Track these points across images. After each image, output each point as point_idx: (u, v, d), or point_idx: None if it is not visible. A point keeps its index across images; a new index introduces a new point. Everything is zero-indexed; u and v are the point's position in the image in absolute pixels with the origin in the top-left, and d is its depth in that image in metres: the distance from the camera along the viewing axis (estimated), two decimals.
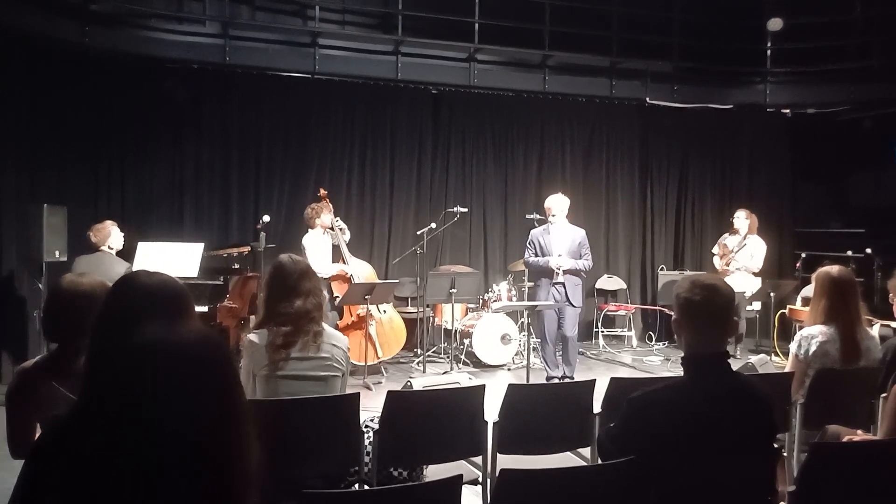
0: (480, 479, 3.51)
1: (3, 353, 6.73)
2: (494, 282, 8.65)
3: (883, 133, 9.16)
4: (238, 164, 8.16)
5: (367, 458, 3.20)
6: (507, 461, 3.15)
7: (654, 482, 2.22)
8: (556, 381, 6.72)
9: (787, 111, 9.73)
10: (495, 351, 7.74)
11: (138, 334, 1.21)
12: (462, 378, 5.63)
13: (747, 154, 10.05)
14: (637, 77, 9.03)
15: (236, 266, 7.41)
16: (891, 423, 2.97)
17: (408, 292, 8.46)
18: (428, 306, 7.97)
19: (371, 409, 3.59)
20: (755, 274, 8.17)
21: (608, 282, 9.48)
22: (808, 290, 5.58)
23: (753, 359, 5.66)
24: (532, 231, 6.93)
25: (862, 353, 3.60)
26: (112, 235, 6.15)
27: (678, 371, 2.40)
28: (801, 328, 3.89)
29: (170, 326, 1.23)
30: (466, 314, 8.23)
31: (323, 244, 7.18)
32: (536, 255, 6.72)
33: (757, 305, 8.64)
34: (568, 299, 6.59)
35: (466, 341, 7.83)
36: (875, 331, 4.54)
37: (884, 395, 3.33)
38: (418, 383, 4.62)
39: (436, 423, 3.33)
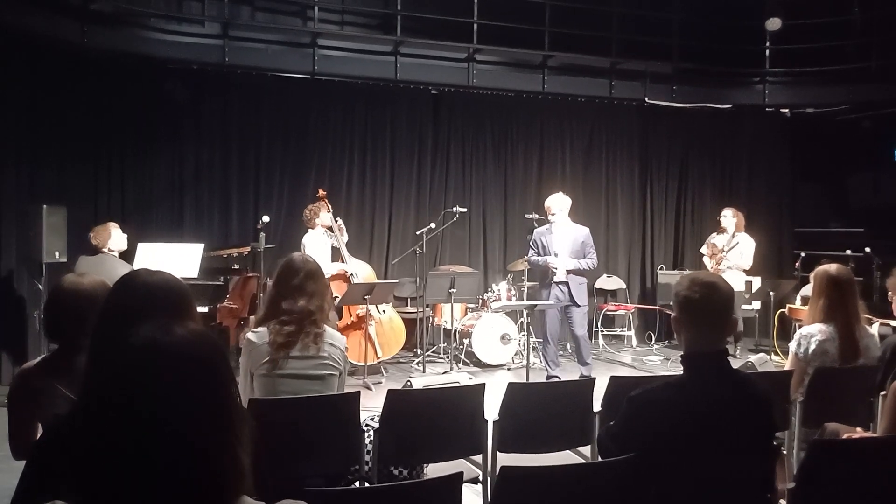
0: (481, 478, 3.51)
1: (3, 353, 6.73)
2: (494, 282, 8.66)
3: (882, 133, 9.18)
4: (238, 165, 8.16)
5: (367, 457, 3.21)
6: (507, 460, 3.16)
7: (653, 480, 2.22)
8: (556, 380, 6.73)
9: (787, 111, 9.76)
10: (495, 351, 7.75)
11: (137, 334, 1.23)
12: (462, 378, 5.63)
13: (746, 154, 10.06)
14: (636, 77, 9.05)
15: (236, 266, 7.42)
16: (890, 420, 2.98)
17: (407, 292, 8.47)
18: (427, 306, 7.98)
19: (371, 409, 3.59)
20: (746, 271, 8.17)
21: (608, 281, 9.49)
22: (808, 290, 5.59)
23: (753, 358, 5.67)
24: (535, 230, 6.93)
25: (861, 351, 3.61)
26: (113, 237, 6.14)
27: (678, 370, 2.41)
28: (800, 327, 3.90)
29: (167, 326, 1.24)
30: (466, 314, 8.24)
31: (322, 244, 7.19)
32: (539, 255, 6.71)
33: (756, 304, 8.65)
34: (572, 299, 6.58)
35: (466, 341, 7.84)
36: (874, 329, 4.55)
37: (883, 393, 3.34)
38: (418, 383, 4.63)
39: (436, 421, 3.33)
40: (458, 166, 9.07)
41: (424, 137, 8.92)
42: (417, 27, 8.22)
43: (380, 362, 7.31)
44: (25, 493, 1.74)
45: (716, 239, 8.32)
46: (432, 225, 7.94)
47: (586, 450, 3.63)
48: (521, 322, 7.83)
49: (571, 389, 3.84)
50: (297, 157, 8.35)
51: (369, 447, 3.21)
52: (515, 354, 7.89)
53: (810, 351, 3.63)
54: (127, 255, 6.33)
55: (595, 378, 3.82)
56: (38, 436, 2.48)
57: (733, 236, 8.13)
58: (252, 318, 6.01)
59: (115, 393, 1.18)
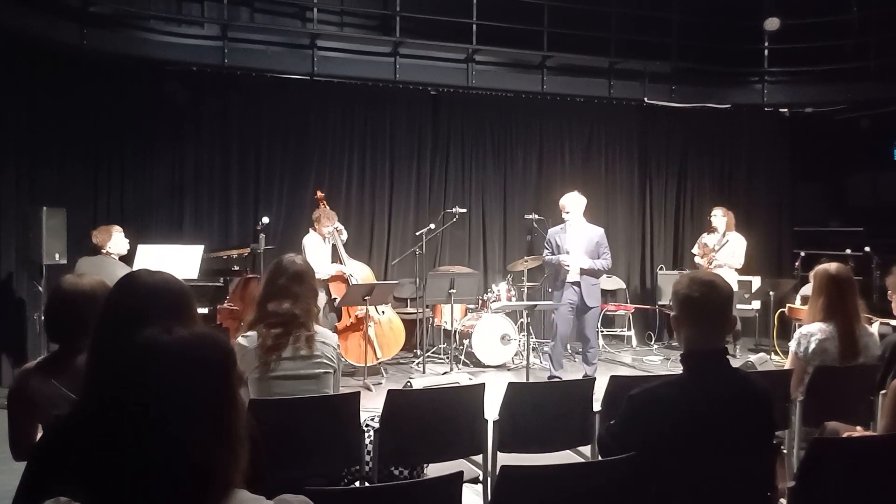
0: (481, 478, 3.51)
1: (3, 355, 6.73)
2: (494, 282, 8.66)
3: (880, 132, 9.19)
4: (237, 166, 8.16)
5: (367, 458, 3.21)
6: (507, 460, 3.16)
7: (654, 478, 2.23)
8: (557, 379, 6.72)
9: (785, 111, 9.76)
10: (495, 351, 7.75)
11: (138, 334, 1.23)
12: (462, 378, 5.64)
13: (746, 153, 10.07)
14: (635, 77, 9.05)
15: (236, 268, 7.42)
16: (890, 419, 2.98)
17: (407, 293, 8.47)
18: (427, 307, 7.98)
19: (371, 410, 3.60)
20: (738, 270, 8.16)
21: (607, 281, 9.47)
22: (807, 289, 5.59)
23: (753, 357, 5.69)
24: (550, 230, 6.95)
25: (861, 350, 3.61)
26: (114, 239, 6.16)
27: (678, 370, 2.41)
28: (800, 327, 3.90)
29: (169, 326, 1.25)
30: (466, 314, 8.24)
31: (322, 245, 7.20)
32: (552, 254, 6.71)
33: (756, 304, 8.66)
34: (583, 300, 6.57)
35: (466, 342, 7.84)
36: (874, 329, 4.55)
37: (883, 391, 3.34)
38: (418, 383, 4.63)
39: (436, 422, 3.33)
40: (458, 167, 9.08)
41: (424, 138, 8.93)
42: (416, 28, 8.22)
43: (379, 363, 7.31)
44: (26, 493, 1.74)
45: (707, 238, 8.32)
46: (432, 226, 7.95)
47: (586, 449, 3.63)
48: (521, 322, 7.83)
49: (571, 389, 3.84)
50: (296, 158, 8.36)
51: (369, 447, 3.21)
52: (515, 355, 7.89)
53: (810, 350, 3.64)
54: (127, 257, 6.33)
55: (595, 378, 3.82)
56: (38, 437, 2.49)
57: (724, 235, 8.13)
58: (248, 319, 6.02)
59: (116, 392, 1.19)
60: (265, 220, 7.35)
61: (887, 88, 8.49)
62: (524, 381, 6.10)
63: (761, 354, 6.32)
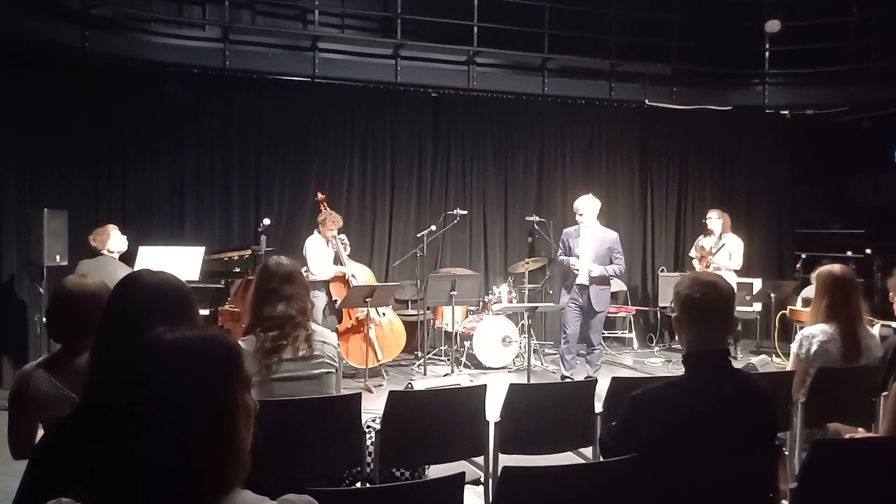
0: (482, 479, 3.51)
1: (4, 357, 6.73)
2: (495, 284, 8.66)
3: (881, 134, 9.18)
4: (238, 168, 8.17)
5: (369, 459, 3.21)
6: (508, 461, 3.15)
7: (656, 479, 2.22)
8: (569, 381, 6.70)
9: (786, 112, 9.76)
10: (496, 353, 7.74)
11: (141, 334, 1.24)
12: (463, 380, 5.63)
13: (746, 155, 10.07)
14: (636, 79, 9.05)
15: (237, 270, 7.42)
16: (891, 421, 2.98)
17: (408, 295, 8.47)
18: (428, 309, 7.97)
19: (372, 411, 3.60)
20: (737, 272, 8.15)
21: None
22: (809, 291, 5.59)
23: (755, 359, 5.68)
24: (565, 230, 6.91)
25: (863, 351, 3.61)
26: (112, 238, 6.15)
27: (679, 372, 2.41)
28: (801, 328, 3.90)
29: (173, 326, 1.25)
30: (467, 316, 8.24)
31: (325, 247, 7.19)
32: (564, 255, 6.70)
33: (757, 306, 8.65)
34: (590, 304, 6.55)
35: (467, 343, 7.83)
36: (875, 331, 4.55)
37: (885, 393, 3.34)
38: (419, 385, 4.64)
39: (437, 423, 3.33)
40: (459, 169, 9.08)
41: (425, 140, 8.93)
42: (417, 30, 8.23)
43: (380, 365, 7.30)
44: (27, 494, 1.74)
45: (703, 241, 8.30)
46: (433, 227, 7.95)
47: (588, 451, 3.63)
48: (522, 324, 7.82)
49: (573, 390, 3.84)
50: (297, 159, 8.36)
51: (370, 449, 3.21)
52: (516, 357, 7.88)
53: (812, 352, 3.63)
54: (128, 259, 6.34)
55: (597, 379, 3.82)
56: (38, 436, 2.49)
57: (720, 238, 8.12)
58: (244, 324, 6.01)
59: (119, 392, 1.19)
60: (266, 221, 7.36)
61: (888, 90, 8.49)
62: (525, 382, 6.10)
63: (762, 356, 6.31)
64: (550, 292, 8.75)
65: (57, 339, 2.56)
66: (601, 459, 2.76)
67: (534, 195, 9.29)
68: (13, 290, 6.80)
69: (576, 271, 6.51)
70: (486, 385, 3.60)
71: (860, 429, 3.32)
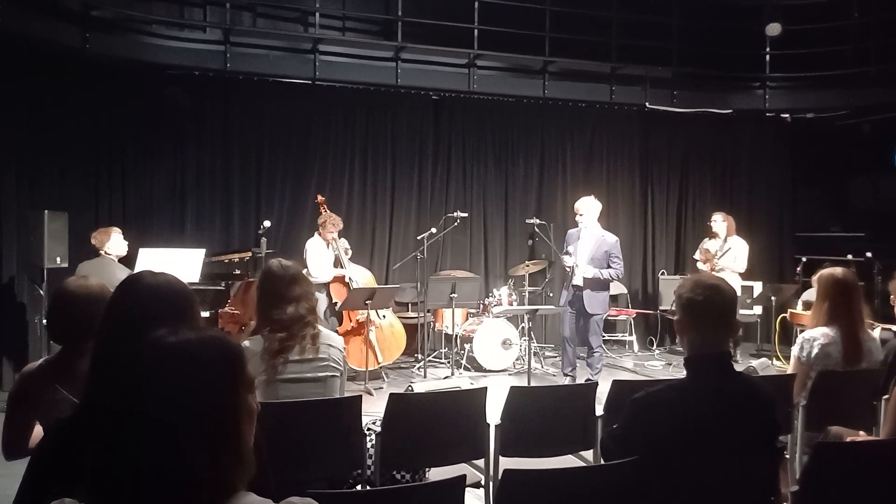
0: (483, 482, 3.50)
1: (4, 358, 6.73)
2: (495, 286, 8.66)
3: (881, 137, 9.18)
4: (239, 170, 8.17)
5: (369, 461, 3.20)
6: (509, 464, 3.15)
7: (657, 482, 2.22)
8: (570, 378, 6.72)
9: (787, 116, 9.76)
10: (496, 356, 7.74)
11: (144, 336, 1.23)
12: (463, 383, 5.63)
13: (747, 159, 10.07)
14: (637, 83, 9.05)
15: (237, 271, 7.42)
16: (892, 424, 2.98)
17: (409, 297, 8.47)
18: (429, 311, 7.97)
19: (372, 414, 3.59)
20: (741, 275, 8.16)
21: (609, 286, 9.47)
22: (809, 295, 5.58)
23: (755, 363, 5.67)
24: (569, 231, 7.00)
25: (864, 354, 3.60)
26: (112, 241, 6.16)
27: (679, 375, 2.40)
28: (802, 332, 3.89)
29: (175, 328, 1.25)
30: (467, 319, 8.23)
31: (325, 249, 7.19)
32: (566, 254, 6.74)
33: (757, 309, 8.64)
34: (584, 306, 6.57)
35: (467, 346, 7.83)
36: (876, 334, 4.54)
37: (885, 396, 3.33)
38: (420, 388, 4.63)
39: (438, 425, 3.33)
40: (459, 171, 9.08)
41: (425, 143, 8.93)
42: (418, 33, 8.23)
43: (381, 367, 7.30)
44: (27, 495, 1.73)
45: (708, 244, 8.31)
46: (433, 230, 7.95)
47: (588, 454, 3.63)
48: (523, 327, 7.82)
49: (574, 393, 3.84)
50: (298, 162, 8.37)
51: (371, 451, 3.21)
52: (517, 360, 7.88)
53: (813, 355, 3.63)
54: (128, 261, 6.33)
55: (598, 382, 3.81)
56: (33, 439, 2.49)
57: (725, 241, 8.12)
58: (253, 323, 6.01)
59: (121, 393, 1.18)
60: (266, 223, 7.35)
61: (888, 94, 8.49)
62: (526, 385, 6.09)
63: (763, 360, 6.30)
64: (551, 295, 8.75)
65: (57, 341, 2.55)
66: (602, 462, 2.76)
67: (534, 198, 9.30)
68: (13, 292, 6.80)
69: (568, 268, 6.55)
70: (486, 388, 3.59)
71: (861, 432, 3.31)
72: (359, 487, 3.16)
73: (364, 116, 8.64)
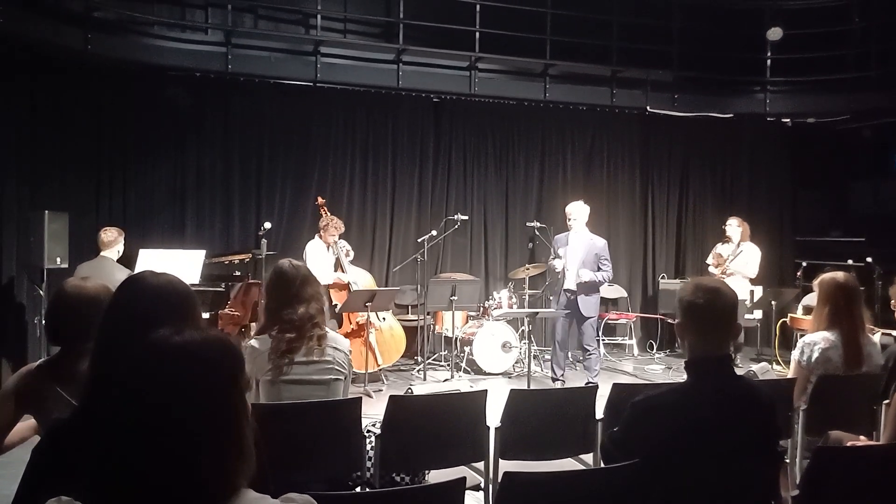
0: (482, 485, 3.50)
1: (3, 359, 6.71)
2: (495, 289, 8.66)
3: (882, 142, 9.20)
4: (239, 172, 8.17)
5: (369, 464, 3.20)
6: (509, 467, 3.14)
7: (657, 486, 2.21)
8: (560, 382, 6.75)
9: (787, 120, 9.77)
10: (496, 359, 7.73)
11: (146, 336, 1.23)
12: (463, 385, 5.64)
13: (747, 163, 10.08)
14: (637, 86, 9.07)
15: (237, 273, 7.42)
16: (893, 429, 2.98)
17: (409, 300, 8.46)
18: (429, 314, 7.97)
19: (372, 416, 3.58)
20: (752, 280, 8.15)
21: (609, 290, 9.44)
22: (809, 299, 5.58)
23: (755, 367, 5.66)
24: (556, 236, 7.05)
25: (864, 358, 3.60)
26: (119, 244, 6.27)
27: (679, 379, 2.40)
28: (803, 336, 3.89)
29: (177, 328, 1.25)
30: (467, 322, 8.23)
31: (325, 251, 7.19)
32: (557, 258, 6.77)
33: (758, 314, 8.64)
34: (578, 310, 6.59)
35: (467, 349, 7.82)
36: (876, 339, 4.54)
37: (886, 401, 3.33)
38: (419, 390, 4.63)
39: (438, 428, 3.32)
40: (460, 174, 9.08)
41: (426, 145, 8.94)
42: (419, 35, 8.24)
43: (380, 370, 7.29)
44: (26, 495, 1.73)
45: (721, 248, 8.32)
46: (433, 232, 7.95)
47: (588, 457, 3.62)
48: (523, 330, 7.81)
49: (574, 396, 3.83)
50: (298, 164, 8.37)
51: (371, 453, 3.20)
52: (516, 362, 7.87)
53: (813, 359, 3.62)
54: (128, 262, 6.35)
55: (598, 385, 3.81)
56: (20, 439, 2.48)
57: (738, 245, 8.12)
58: (254, 324, 6.02)
59: (124, 392, 1.18)
60: (267, 225, 7.33)
61: (889, 98, 8.50)
62: (526, 388, 6.09)
63: (763, 364, 6.29)
64: (551, 298, 8.72)
65: (55, 342, 2.54)
66: (602, 465, 2.75)
67: (535, 201, 9.30)
68: (13, 293, 6.79)
69: (558, 272, 6.57)
70: (486, 390, 3.59)
71: (861, 437, 3.31)
72: (358, 489, 3.15)
73: (365, 118, 8.65)
